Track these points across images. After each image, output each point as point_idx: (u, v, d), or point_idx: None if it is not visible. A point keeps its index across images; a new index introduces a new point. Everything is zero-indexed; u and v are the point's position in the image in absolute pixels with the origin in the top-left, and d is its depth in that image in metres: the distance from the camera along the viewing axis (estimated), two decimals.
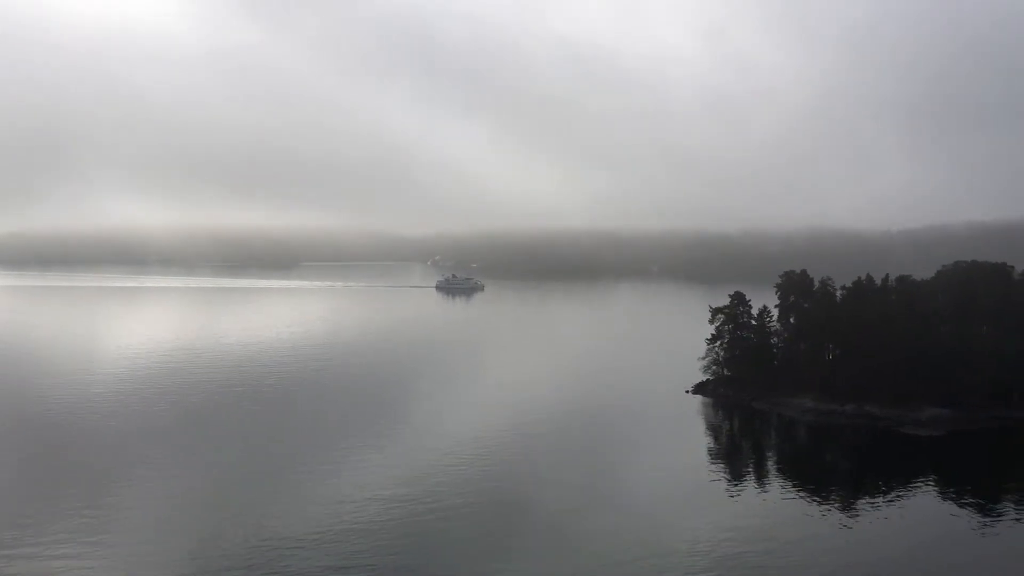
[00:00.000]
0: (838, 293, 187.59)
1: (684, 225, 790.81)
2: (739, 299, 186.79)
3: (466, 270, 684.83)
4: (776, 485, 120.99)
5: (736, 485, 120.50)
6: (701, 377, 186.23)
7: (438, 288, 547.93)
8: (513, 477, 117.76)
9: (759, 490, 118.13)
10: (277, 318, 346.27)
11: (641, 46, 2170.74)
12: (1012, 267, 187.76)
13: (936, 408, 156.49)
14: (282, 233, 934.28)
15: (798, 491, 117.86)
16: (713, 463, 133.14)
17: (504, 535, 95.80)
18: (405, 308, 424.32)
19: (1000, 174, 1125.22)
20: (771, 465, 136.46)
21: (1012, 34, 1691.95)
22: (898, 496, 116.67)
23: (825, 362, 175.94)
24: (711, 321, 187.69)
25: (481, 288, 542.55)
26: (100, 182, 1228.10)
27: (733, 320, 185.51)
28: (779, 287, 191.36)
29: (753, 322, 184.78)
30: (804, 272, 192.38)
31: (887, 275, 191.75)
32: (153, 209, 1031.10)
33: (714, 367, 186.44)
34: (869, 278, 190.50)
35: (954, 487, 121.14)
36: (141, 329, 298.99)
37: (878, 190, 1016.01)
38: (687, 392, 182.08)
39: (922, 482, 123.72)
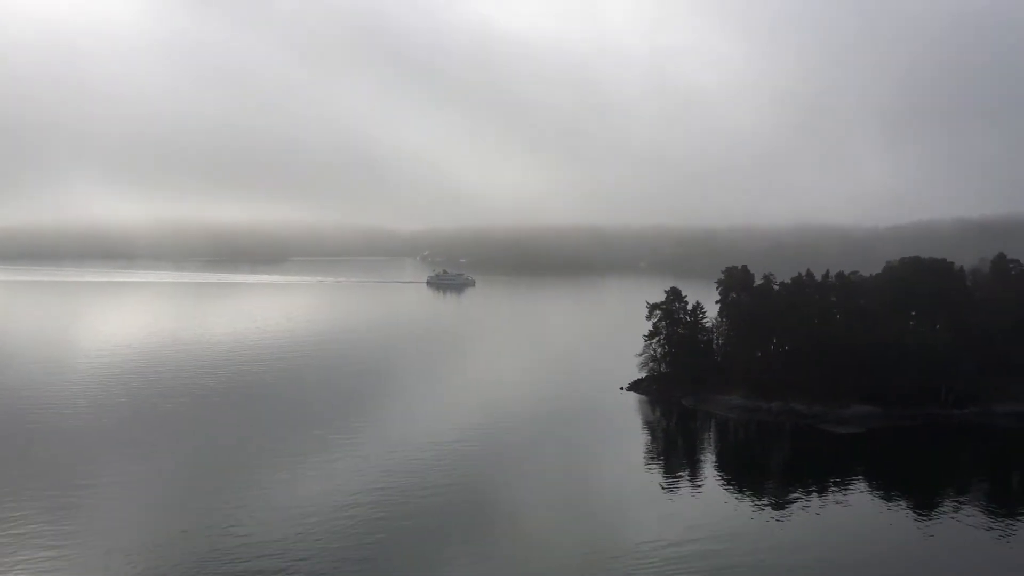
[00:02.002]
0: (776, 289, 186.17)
1: (671, 221, 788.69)
2: (675, 295, 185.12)
3: (455, 265, 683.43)
4: (684, 484, 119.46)
5: (652, 484, 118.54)
6: (640, 374, 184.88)
7: (429, 284, 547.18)
8: (456, 481, 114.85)
9: (667, 490, 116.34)
10: (262, 314, 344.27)
11: (604, 44, 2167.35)
12: (952, 263, 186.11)
13: (862, 405, 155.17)
14: (270, 228, 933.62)
15: (707, 489, 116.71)
16: (633, 463, 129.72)
17: (445, 539, 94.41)
18: (394, 304, 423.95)
19: (987, 171, 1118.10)
20: (684, 463, 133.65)
21: (995, 30, 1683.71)
22: (807, 494, 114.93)
23: (757, 359, 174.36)
24: (648, 317, 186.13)
25: (472, 284, 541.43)
26: (75, 177, 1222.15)
27: (669, 316, 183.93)
28: (720, 283, 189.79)
29: (688, 318, 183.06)
30: (745, 268, 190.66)
31: (827, 271, 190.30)
32: (135, 203, 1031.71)
33: (651, 364, 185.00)
34: (809, 274, 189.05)
35: (862, 484, 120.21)
36: (122, 324, 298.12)
37: (866, 187, 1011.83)
38: (621, 389, 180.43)
39: (833, 479, 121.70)
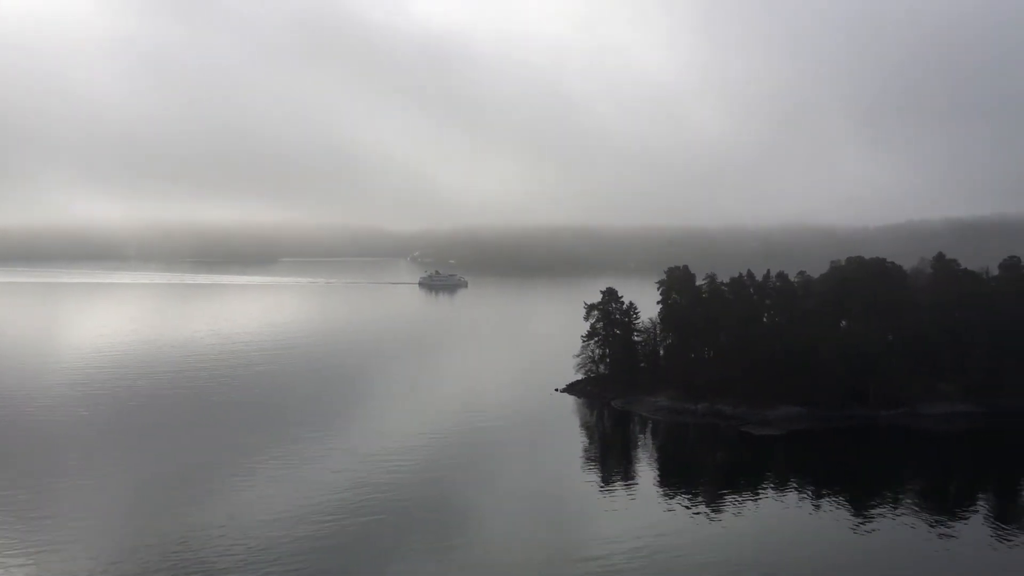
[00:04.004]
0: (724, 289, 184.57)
1: (662, 221, 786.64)
2: (611, 295, 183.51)
3: (445, 266, 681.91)
4: (591, 490, 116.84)
5: (563, 491, 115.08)
6: (577, 375, 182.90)
7: (421, 285, 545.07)
8: (401, 488, 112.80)
9: (576, 497, 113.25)
10: (249, 316, 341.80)
11: (581, 44, 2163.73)
12: (891, 263, 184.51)
13: (789, 407, 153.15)
14: (259, 229, 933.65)
15: (608, 494, 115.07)
16: (547, 467, 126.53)
17: (386, 550, 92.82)
18: (385, 306, 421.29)
19: (978, 171, 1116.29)
20: (595, 467, 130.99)
21: (986, 31, 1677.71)
22: (716, 497, 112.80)
23: (690, 360, 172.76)
24: (586, 318, 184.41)
25: (464, 285, 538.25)
26: (51, 180, 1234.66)
27: (606, 317, 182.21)
28: (661, 283, 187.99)
29: (625, 319, 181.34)
30: (686, 268, 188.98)
31: (768, 271, 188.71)
32: (117, 206, 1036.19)
33: (589, 365, 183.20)
34: (750, 274, 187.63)
35: (772, 487, 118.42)
36: (105, 326, 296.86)
37: (857, 187, 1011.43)
38: (557, 391, 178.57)
39: (741, 482, 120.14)
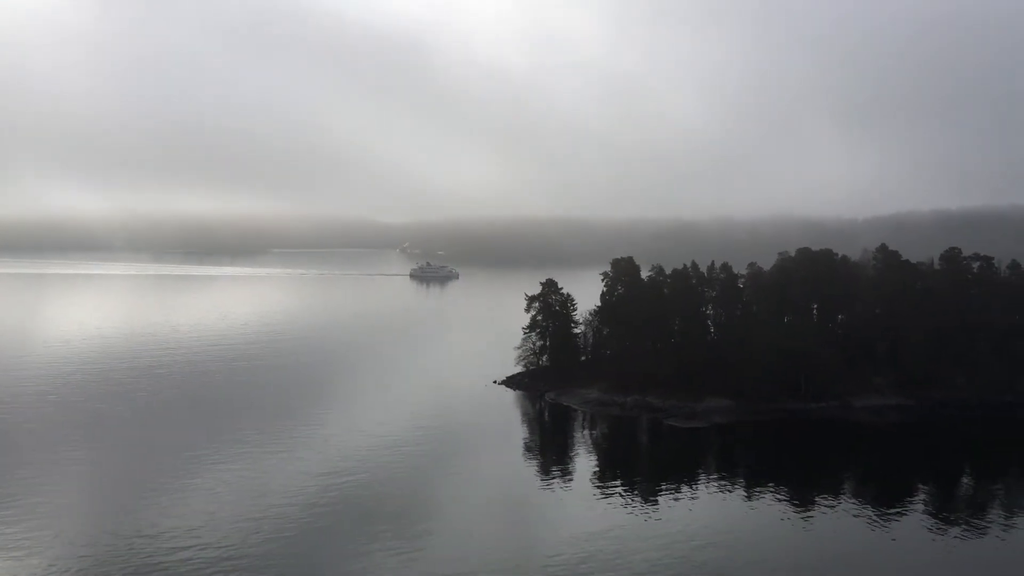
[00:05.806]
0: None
1: (652, 214, 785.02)
2: (550, 286, 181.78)
3: (435, 257, 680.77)
4: (515, 486, 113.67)
5: (489, 488, 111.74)
6: (517, 367, 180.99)
7: (412, 276, 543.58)
8: (361, 490, 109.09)
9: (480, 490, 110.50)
10: (234, 308, 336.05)
11: (555, 37, 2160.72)
12: (836, 255, 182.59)
13: (717, 399, 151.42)
14: (248, 221, 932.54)
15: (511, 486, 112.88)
16: (471, 462, 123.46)
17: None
18: (377, 297, 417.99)
19: (966, 164, 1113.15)
20: (519, 462, 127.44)
21: (975, 28, 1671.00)
22: (632, 492, 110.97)
23: (624, 352, 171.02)
24: (527, 310, 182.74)
25: (455, 276, 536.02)
26: (23, 170, 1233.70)
27: (546, 309, 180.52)
28: (605, 275, 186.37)
29: (563, 311, 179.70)
30: (630, 259, 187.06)
31: (712, 262, 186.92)
32: (104, 198, 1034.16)
33: (530, 356, 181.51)
34: (694, 266, 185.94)
35: (697, 481, 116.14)
36: (82, 318, 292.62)
37: (846, 179, 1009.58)
38: (495, 383, 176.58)
39: (651, 476, 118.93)
